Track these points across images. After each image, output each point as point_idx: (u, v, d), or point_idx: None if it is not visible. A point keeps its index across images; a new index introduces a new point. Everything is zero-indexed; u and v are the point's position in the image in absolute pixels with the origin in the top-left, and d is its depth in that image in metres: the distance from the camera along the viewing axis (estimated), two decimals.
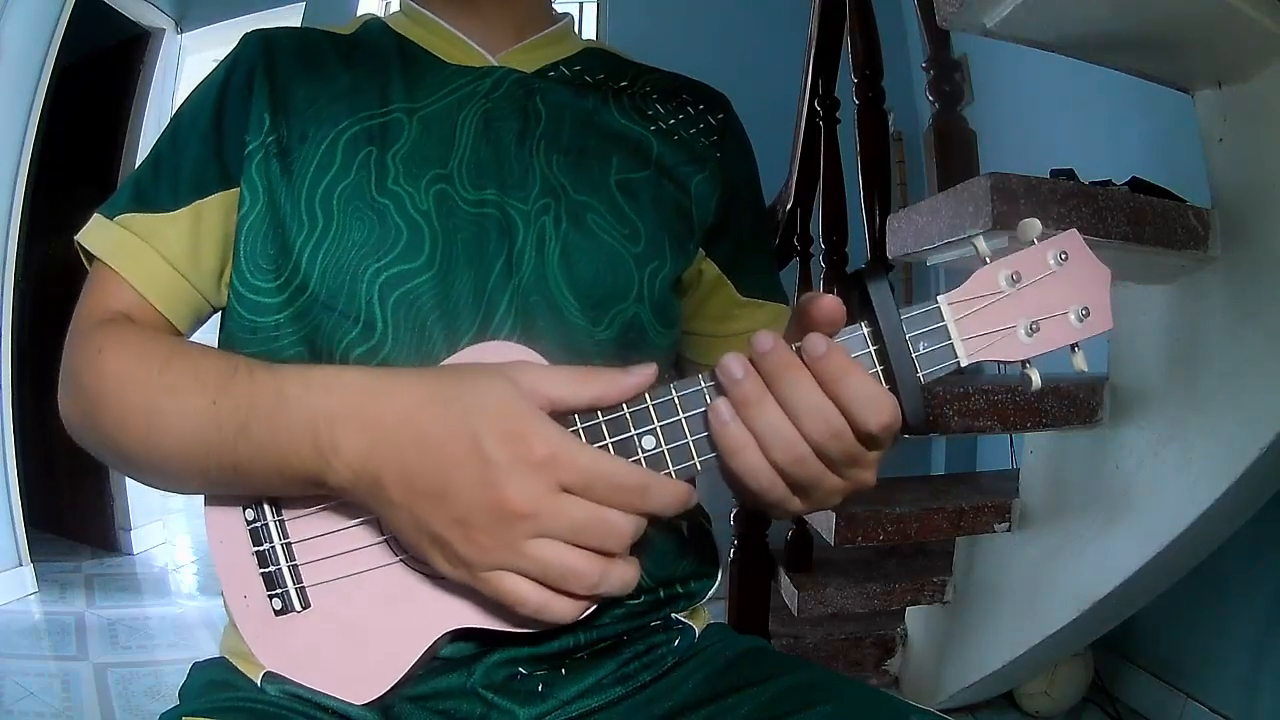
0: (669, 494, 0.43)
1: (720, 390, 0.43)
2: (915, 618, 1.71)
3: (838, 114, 1.67)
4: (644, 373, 0.44)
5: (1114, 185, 1.14)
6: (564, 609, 0.43)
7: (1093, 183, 1.11)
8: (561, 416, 0.44)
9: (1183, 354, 1.12)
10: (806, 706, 0.50)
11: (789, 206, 1.83)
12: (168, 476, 0.50)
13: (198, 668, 0.57)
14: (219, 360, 0.48)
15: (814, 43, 1.71)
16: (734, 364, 0.42)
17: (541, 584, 0.42)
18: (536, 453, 0.40)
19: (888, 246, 1.30)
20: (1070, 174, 1.18)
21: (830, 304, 0.42)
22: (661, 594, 0.60)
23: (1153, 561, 1.15)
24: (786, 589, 1.54)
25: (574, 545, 0.42)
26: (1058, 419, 1.25)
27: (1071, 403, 1.25)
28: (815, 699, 0.51)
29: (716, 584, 0.65)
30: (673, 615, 0.61)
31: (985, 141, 1.71)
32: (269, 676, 0.51)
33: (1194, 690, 1.58)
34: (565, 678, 0.55)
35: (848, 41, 1.57)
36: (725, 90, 0.70)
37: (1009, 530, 1.41)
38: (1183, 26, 0.96)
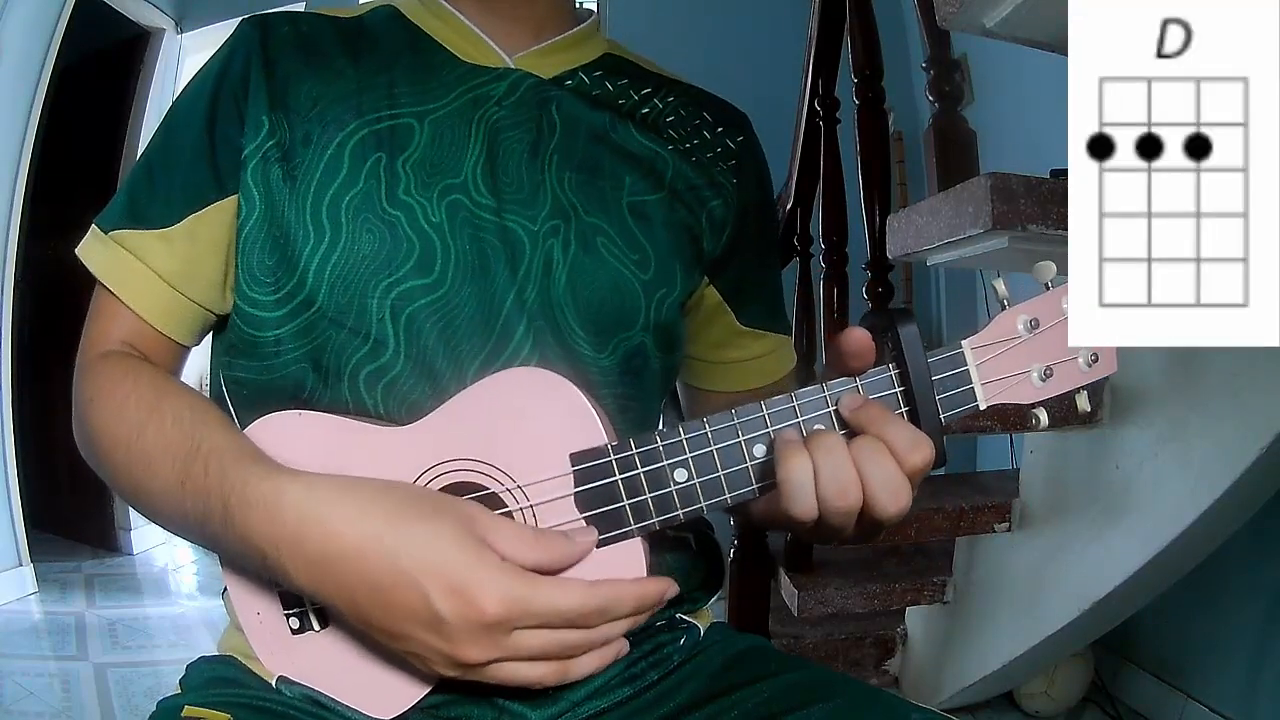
0: (632, 603, 0.44)
1: (759, 425, 0.45)
2: (915, 618, 1.71)
3: (838, 114, 1.67)
4: (586, 542, 0.44)
5: None
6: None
7: None
8: (592, 445, 0.45)
9: (1183, 354, 1.12)
10: (806, 704, 0.50)
11: (789, 206, 1.83)
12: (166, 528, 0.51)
13: (202, 662, 0.56)
14: (185, 432, 0.47)
15: (814, 43, 1.71)
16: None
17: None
18: (488, 614, 0.40)
19: (888, 246, 1.30)
20: None
21: (859, 337, 0.44)
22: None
23: (1153, 561, 1.15)
24: (786, 589, 1.54)
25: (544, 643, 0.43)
26: (1057, 419, 1.25)
27: (1071, 403, 1.25)
28: (815, 697, 0.51)
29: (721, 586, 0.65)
30: (677, 615, 0.61)
31: (985, 141, 1.70)
32: (284, 679, 0.51)
33: (1194, 690, 1.58)
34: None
35: (848, 41, 1.57)
36: (724, 91, 0.69)
37: (1009, 530, 1.41)
38: None
